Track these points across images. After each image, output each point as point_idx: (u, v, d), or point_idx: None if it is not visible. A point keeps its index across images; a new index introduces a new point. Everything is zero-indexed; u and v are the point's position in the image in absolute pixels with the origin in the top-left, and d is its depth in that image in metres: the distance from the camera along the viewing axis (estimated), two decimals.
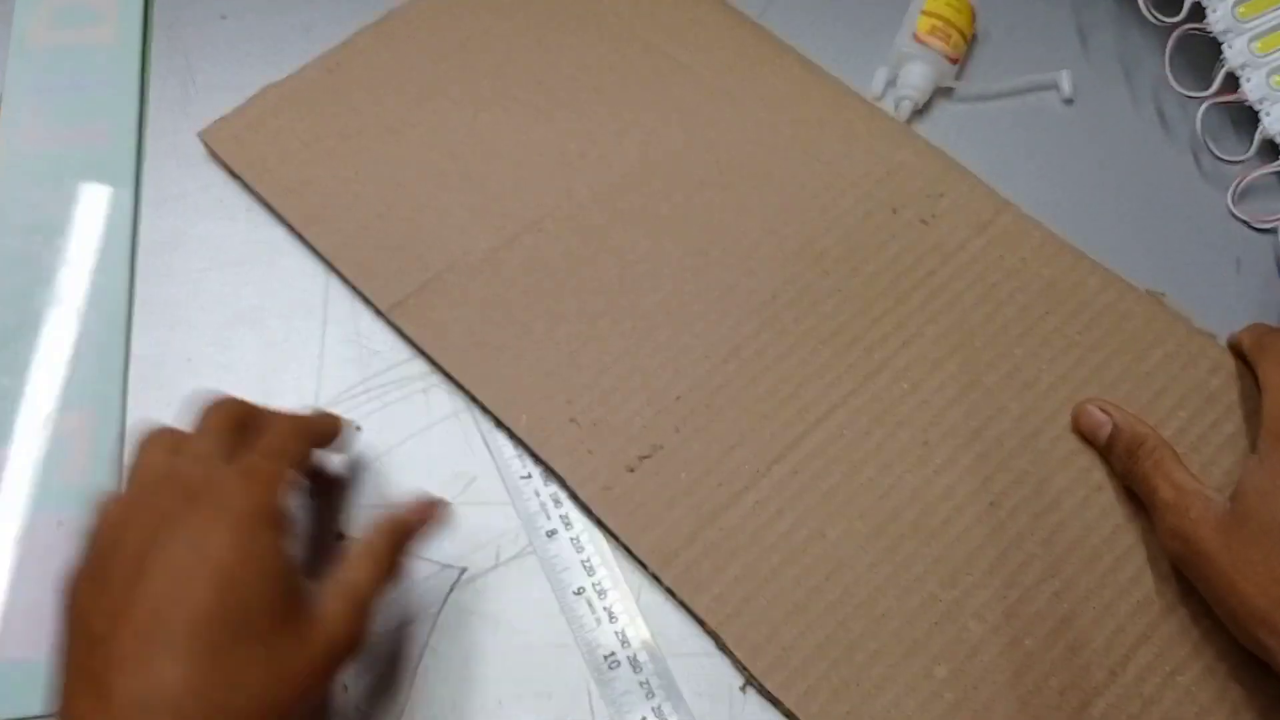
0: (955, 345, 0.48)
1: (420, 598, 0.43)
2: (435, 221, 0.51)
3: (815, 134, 0.54)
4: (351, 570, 0.37)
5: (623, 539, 0.44)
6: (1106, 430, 0.45)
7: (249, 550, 0.34)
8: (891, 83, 0.57)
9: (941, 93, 0.57)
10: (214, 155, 0.54)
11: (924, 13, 0.56)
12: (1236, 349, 0.48)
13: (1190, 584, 0.42)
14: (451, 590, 0.44)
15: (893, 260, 0.50)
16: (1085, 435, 0.46)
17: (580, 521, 0.45)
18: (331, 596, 0.36)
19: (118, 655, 0.31)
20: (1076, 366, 0.48)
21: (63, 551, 0.40)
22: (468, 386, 0.47)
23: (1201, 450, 0.46)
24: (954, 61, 0.56)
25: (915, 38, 0.56)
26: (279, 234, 0.51)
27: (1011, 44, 0.59)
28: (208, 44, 0.58)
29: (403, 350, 0.49)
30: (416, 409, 0.48)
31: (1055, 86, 0.57)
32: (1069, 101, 0.58)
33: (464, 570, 0.44)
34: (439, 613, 0.43)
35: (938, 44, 0.56)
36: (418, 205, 0.51)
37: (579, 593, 0.44)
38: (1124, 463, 0.44)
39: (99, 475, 0.46)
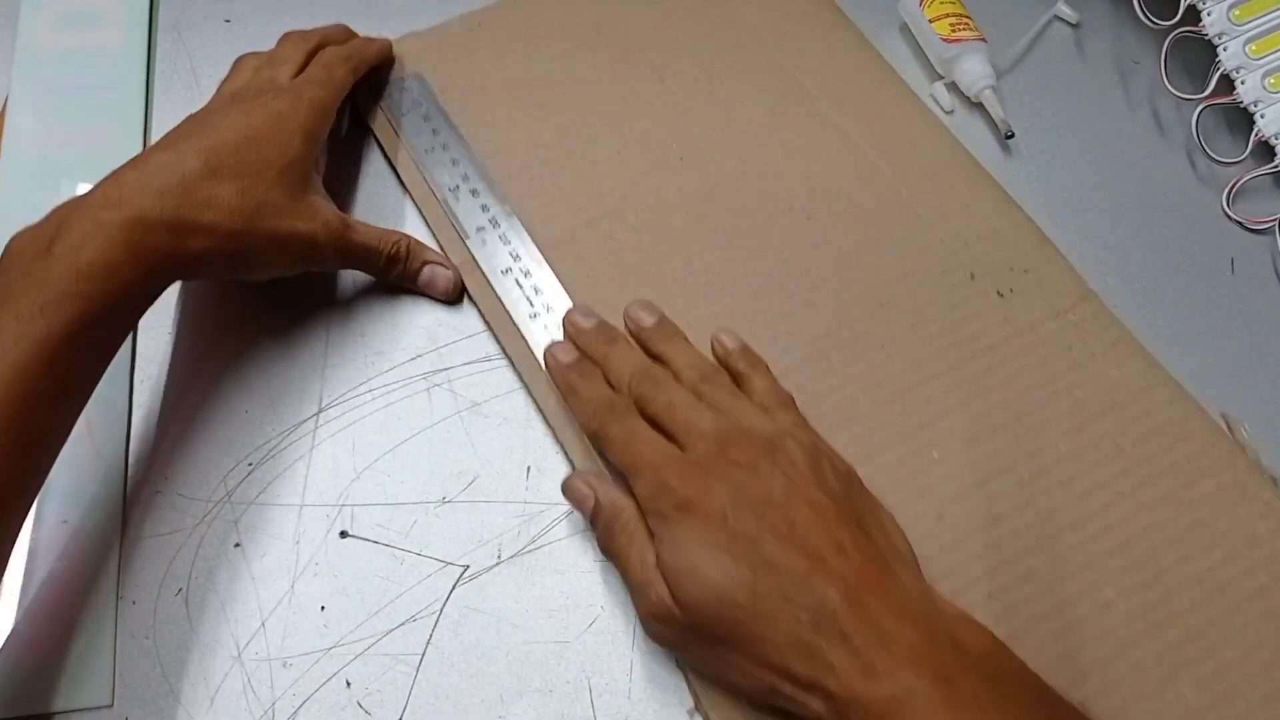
0: (997, 425, 0.47)
1: (423, 595, 0.44)
2: (524, 191, 0.53)
3: (914, 183, 0.53)
4: (353, 226, 0.48)
5: None
6: (590, 504, 0.43)
7: (281, 127, 0.45)
8: (952, 86, 0.59)
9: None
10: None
11: (933, 20, 0.58)
12: None
13: None
14: (454, 588, 0.44)
15: (957, 325, 0.49)
16: (575, 507, 0.45)
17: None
18: (331, 207, 0.47)
19: (160, 145, 0.44)
20: (1119, 476, 0.46)
21: (69, 552, 0.44)
22: (509, 351, 0.49)
23: (1227, 594, 0.43)
24: (984, 40, 0.59)
25: (945, 40, 0.58)
26: None
27: (1009, 46, 0.61)
28: (212, 47, 0.59)
29: (405, 351, 0.50)
30: (419, 409, 0.48)
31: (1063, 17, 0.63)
32: (1076, 25, 0.62)
33: (466, 568, 0.45)
34: (441, 610, 0.44)
35: (967, 34, 0.58)
36: (510, 173, 0.53)
37: None
38: (604, 539, 0.43)
39: (104, 476, 0.46)
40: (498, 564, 0.45)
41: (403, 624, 0.44)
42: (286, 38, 0.52)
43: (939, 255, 0.51)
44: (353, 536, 0.45)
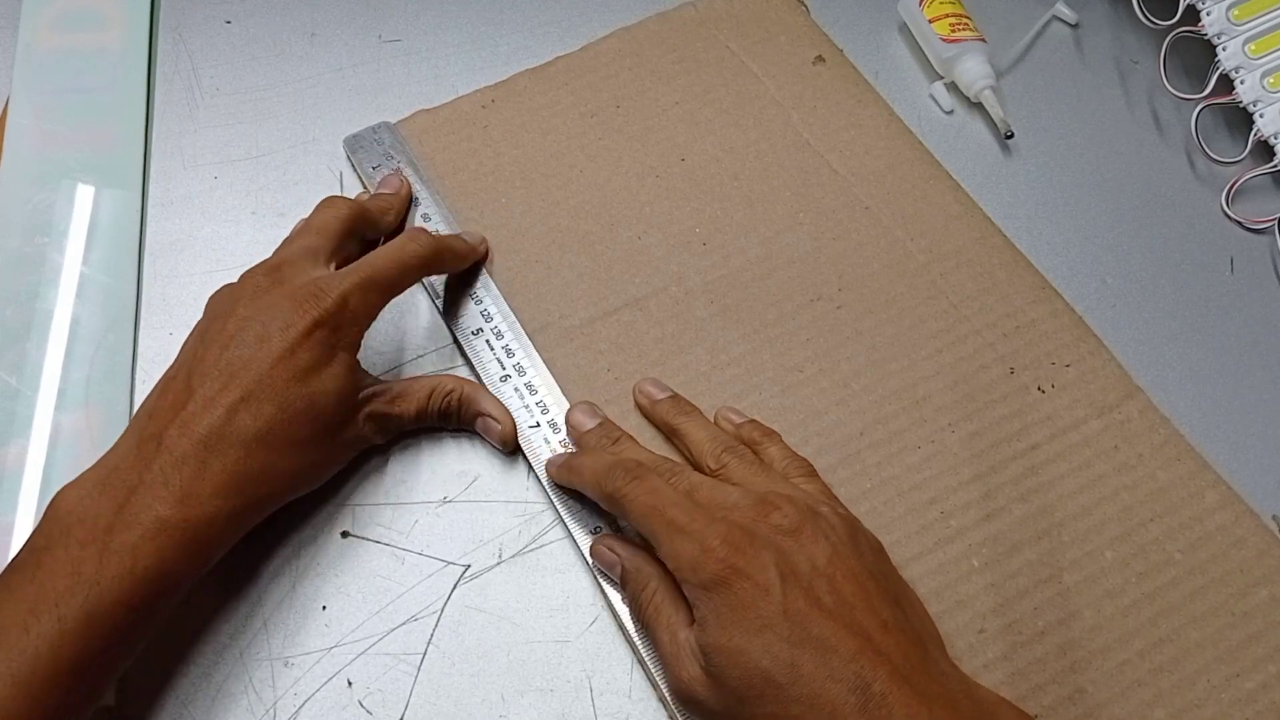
0: (1040, 532, 0.47)
1: (424, 595, 0.46)
2: (541, 279, 0.53)
3: (950, 270, 0.53)
4: (397, 397, 0.47)
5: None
6: (619, 570, 0.44)
7: (324, 344, 0.43)
8: (951, 86, 0.62)
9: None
10: (351, 162, 0.58)
11: (933, 20, 0.60)
12: None
13: None
14: (455, 587, 0.46)
15: (997, 423, 0.49)
16: (607, 572, 0.45)
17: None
18: (374, 394, 0.46)
19: (203, 396, 0.41)
20: (1168, 588, 0.46)
21: None
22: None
23: None
24: (984, 40, 0.62)
25: (945, 40, 0.60)
26: (283, 235, 0.52)
27: (1008, 46, 0.64)
28: (212, 48, 0.62)
29: (405, 352, 0.52)
30: None
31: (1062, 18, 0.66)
32: (1075, 25, 0.65)
33: (467, 567, 0.47)
34: (442, 609, 0.46)
35: (967, 34, 0.60)
36: (528, 258, 0.53)
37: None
38: (631, 607, 0.44)
39: None
40: (499, 563, 0.47)
41: (404, 623, 0.46)
42: (327, 204, 0.50)
43: (976, 347, 0.51)
44: (354, 536, 0.47)
